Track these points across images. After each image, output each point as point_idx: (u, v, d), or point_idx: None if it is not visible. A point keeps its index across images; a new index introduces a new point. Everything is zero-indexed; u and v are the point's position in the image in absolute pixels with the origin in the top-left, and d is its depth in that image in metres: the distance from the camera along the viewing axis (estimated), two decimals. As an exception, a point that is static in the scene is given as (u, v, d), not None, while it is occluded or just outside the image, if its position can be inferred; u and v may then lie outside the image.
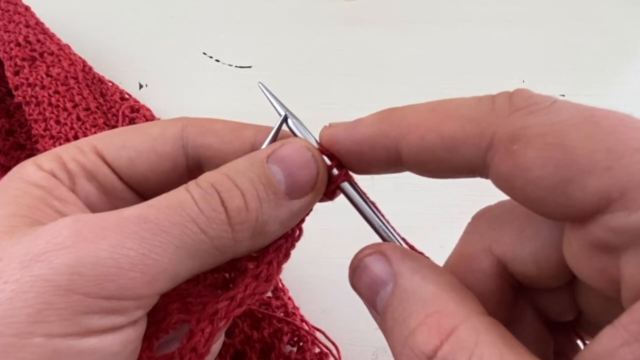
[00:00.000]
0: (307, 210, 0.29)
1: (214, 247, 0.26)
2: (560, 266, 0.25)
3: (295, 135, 0.31)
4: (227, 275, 0.30)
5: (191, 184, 0.27)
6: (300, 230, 0.30)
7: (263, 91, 0.32)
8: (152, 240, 0.25)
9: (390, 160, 0.27)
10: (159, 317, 0.28)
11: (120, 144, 0.30)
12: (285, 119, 0.31)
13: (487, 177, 0.24)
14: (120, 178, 0.30)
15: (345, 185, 0.29)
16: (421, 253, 0.28)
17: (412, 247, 0.29)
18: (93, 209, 0.29)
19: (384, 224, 0.29)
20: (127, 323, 0.25)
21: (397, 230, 0.29)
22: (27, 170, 0.28)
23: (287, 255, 0.30)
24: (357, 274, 0.27)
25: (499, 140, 0.23)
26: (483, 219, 0.28)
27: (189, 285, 0.29)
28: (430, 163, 0.25)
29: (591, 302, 0.26)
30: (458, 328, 0.22)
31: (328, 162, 0.29)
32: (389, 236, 0.29)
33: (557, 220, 0.24)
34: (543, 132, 0.22)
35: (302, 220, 0.30)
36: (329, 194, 0.30)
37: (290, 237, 0.30)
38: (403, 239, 0.29)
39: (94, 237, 0.24)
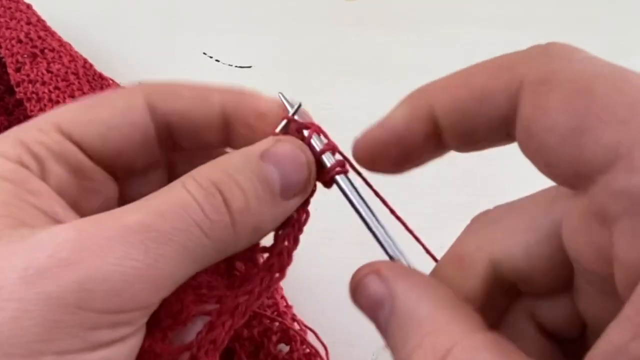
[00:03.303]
0: (292, 211, 0.29)
1: (214, 250, 0.26)
2: (553, 262, 0.24)
3: (295, 120, 0.30)
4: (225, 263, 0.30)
5: (189, 181, 0.26)
6: (307, 213, 0.30)
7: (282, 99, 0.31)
8: (157, 249, 0.24)
9: (429, 135, 0.25)
10: (174, 310, 0.28)
11: (86, 120, 0.29)
12: (299, 107, 0.30)
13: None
14: (89, 156, 0.29)
15: (343, 180, 0.29)
16: (429, 251, 0.27)
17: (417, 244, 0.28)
18: (65, 193, 0.28)
19: (378, 223, 0.28)
20: (133, 331, 0.25)
21: (391, 233, 0.28)
22: None
23: (296, 242, 0.30)
24: (357, 294, 0.26)
25: (529, 82, 0.22)
26: (478, 221, 0.28)
27: (195, 274, 0.29)
28: (464, 122, 0.24)
29: (592, 306, 0.24)
30: (453, 349, 0.21)
31: (331, 160, 0.29)
32: (383, 239, 0.28)
33: (562, 184, 0.23)
34: (573, 79, 0.21)
35: (308, 203, 0.30)
36: (326, 183, 0.29)
37: (297, 222, 0.30)
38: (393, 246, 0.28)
39: (100, 250, 0.23)
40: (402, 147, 0.26)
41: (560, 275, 0.25)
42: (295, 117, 0.30)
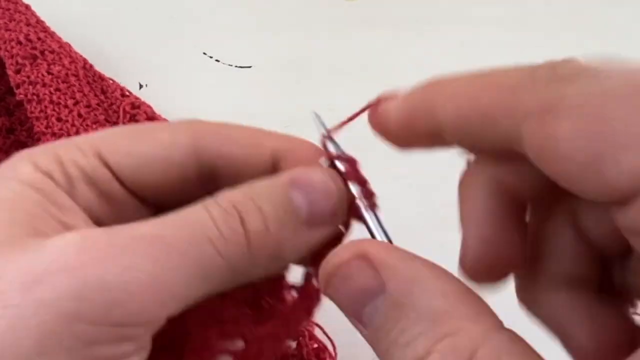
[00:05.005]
0: (321, 240, 0.28)
1: (229, 271, 0.25)
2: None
3: (327, 148, 0.29)
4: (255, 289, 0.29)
5: (210, 201, 0.26)
6: (347, 227, 0.28)
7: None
8: (165, 262, 0.23)
9: (431, 133, 0.25)
10: (197, 345, 0.27)
11: (126, 150, 0.28)
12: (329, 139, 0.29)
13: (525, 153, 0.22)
14: (123, 185, 0.29)
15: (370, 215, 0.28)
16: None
17: None
18: (93, 215, 0.28)
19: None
20: (136, 349, 0.23)
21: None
22: (23, 169, 0.26)
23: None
24: (335, 284, 0.23)
25: (534, 110, 0.21)
26: None
27: (221, 302, 0.27)
28: (468, 135, 0.23)
29: None
30: (477, 352, 0.19)
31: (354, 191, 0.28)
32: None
33: (595, 202, 0.21)
34: (581, 103, 0.19)
35: (340, 239, 0.28)
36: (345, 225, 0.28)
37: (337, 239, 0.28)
38: None
39: (103, 258, 0.22)
40: (407, 133, 0.26)
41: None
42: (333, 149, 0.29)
